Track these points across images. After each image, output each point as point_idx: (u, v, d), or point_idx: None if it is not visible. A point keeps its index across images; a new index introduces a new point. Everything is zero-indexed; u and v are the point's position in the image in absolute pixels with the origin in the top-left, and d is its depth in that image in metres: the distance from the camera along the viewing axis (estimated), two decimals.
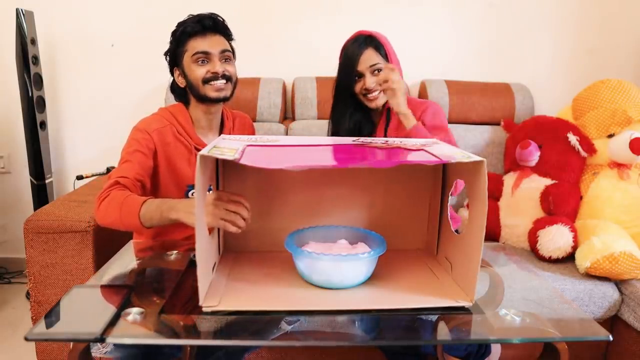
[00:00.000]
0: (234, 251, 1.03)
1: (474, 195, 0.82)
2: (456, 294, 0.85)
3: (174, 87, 1.35)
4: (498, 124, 2.04)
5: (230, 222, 0.89)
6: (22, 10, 1.89)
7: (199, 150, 1.03)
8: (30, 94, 1.95)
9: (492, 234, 1.74)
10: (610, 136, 1.72)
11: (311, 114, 2.03)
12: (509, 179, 1.81)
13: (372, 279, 0.90)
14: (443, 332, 0.81)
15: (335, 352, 1.48)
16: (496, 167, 1.99)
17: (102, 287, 0.90)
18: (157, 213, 1.02)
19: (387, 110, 1.42)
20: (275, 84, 2.02)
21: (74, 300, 0.83)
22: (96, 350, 0.89)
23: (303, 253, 0.86)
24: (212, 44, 1.25)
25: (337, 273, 0.86)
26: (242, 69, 1.37)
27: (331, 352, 1.47)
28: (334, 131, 1.46)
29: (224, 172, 1.02)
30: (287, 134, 1.98)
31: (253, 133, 1.51)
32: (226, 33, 1.30)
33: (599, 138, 1.74)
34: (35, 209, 2.00)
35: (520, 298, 0.92)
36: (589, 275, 1.49)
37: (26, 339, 0.69)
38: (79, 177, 1.97)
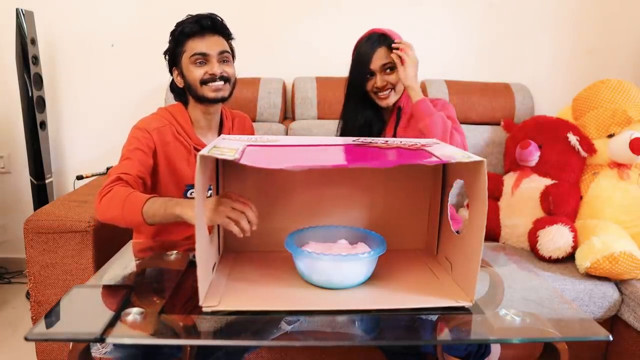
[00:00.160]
0: (234, 251, 1.03)
1: (474, 195, 0.82)
2: (456, 294, 0.85)
3: (173, 87, 1.35)
4: (498, 124, 2.04)
5: (235, 220, 0.89)
6: (22, 10, 1.89)
7: (198, 150, 1.03)
8: (30, 94, 1.95)
9: (492, 234, 1.74)
10: (610, 136, 1.72)
11: (311, 114, 2.03)
12: (509, 179, 1.81)
13: (372, 279, 0.90)
14: (443, 332, 0.81)
15: (335, 352, 1.48)
16: (496, 167, 1.99)
17: (102, 287, 0.90)
18: (162, 209, 1.01)
19: (397, 109, 1.42)
20: (275, 84, 2.02)
21: (74, 300, 0.83)
22: (96, 350, 0.89)
23: (303, 253, 0.86)
24: (210, 44, 1.25)
25: (337, 273, 0.86)
26: (242, 69, 1.37)
27: (331, 352, 1.47)
28: (344, 129, 1.46)
29: (224, 172, 1.02)
30: (287, 134, 1.98)
31: (252, 133, 1.51)
32: (225, 33, 1.30)
33: (599, 138, 1.74)
34: (35, 209, 2.00)
35: (520, 298, 0.92)
36: (589, 275, 1.49)
37: (26, 339, 0.69)
38: (79, 177, 1.97)
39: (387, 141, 1.00)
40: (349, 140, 1.03)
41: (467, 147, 1.35)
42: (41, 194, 2.05)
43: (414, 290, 0.88)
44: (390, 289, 0.88)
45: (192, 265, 0.97)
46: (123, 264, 1.03)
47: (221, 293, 0.83)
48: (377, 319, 0.82)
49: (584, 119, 1.78)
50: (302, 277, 0.90)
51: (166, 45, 1.30)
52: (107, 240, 1.41)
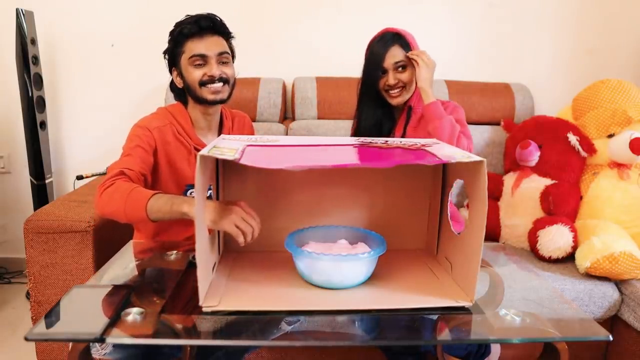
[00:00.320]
0: (234, 251, 1.03)
1: (474, 195, 0.82)
2: (456, 294, 0.85)
3: (173, 87, 1.35)
4: (498, 124, 2.04)
5: (243, 231, 0.90)
6: (22, 10, 1.89)
7: (198, 150, 1.03)
8: (30, 94, 1.95)
9: (492, 234, 1.75)
10: (610, 136, 1.72)
11: (311, 114, 2.03)
12: (509, 179, 1.81)
13: (372, 279, 0.90)
14: (443, 332, 0.81)
15: (335, 352, 1.48)
16: (496, 167, 1.99)
17: (102, 287, 0.90)
18: (167, 206, 1.00)
19: (408, 108, 1.43)
20: (275, 84, 2.02)
21: (74, 300, 0.83)
22: (95, 351, 0.89)
23: (303, 253, 0.86)
24: (209, 45, 1.24)
25: (337, 273, 0.86)
26: (242, 69, 1.37)
27: (331, 352, 1.47)
28: (358, 128, 1.48)
29: (224, 172, 1.02)
30: (287, 134, 1.98)
31: (252, 133, 1.50)
32: (224, 33, 1.29)
33: (599, 138, 1.74)
34: (35, 209, 2.00)
35: (520, 298, 0.92)
36: (589, 275, 1.49)
37: (26, 339, 0.69)
38: (79, 177, 1.96)
39: (387, 141, 1.00)
40: (349, 140, 1.03)
41: (471, 152, 1.36)
42: (41, 194, 2.05)
43: (414, 290, 0.88)
44: (390, 289, 0.88)
45: (192, 265, 0.97)
46: (123, 264, 1.03)
47: (221, 293, 0.83)
48: (377, 319, 0.82)
49: (584, 119, 1.78)
50: (302, 277, 0.90)
51: (166, 45, 1.30)
52: (107, 240, 1.41)
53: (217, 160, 0.97)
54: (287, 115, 2.13)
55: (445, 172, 0.99)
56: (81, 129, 2.21)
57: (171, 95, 1.38)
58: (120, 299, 0.82)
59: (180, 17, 1.28)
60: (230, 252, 1.03)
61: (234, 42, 1.33)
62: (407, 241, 1.08)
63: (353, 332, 0.82)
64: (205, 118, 1.32)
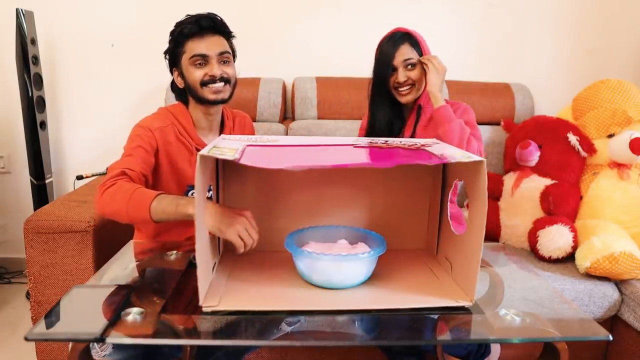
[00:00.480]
0: (234, 251, 1.03)
1: (474, 195, 0.82)
2: (456, 294, 0.85)
3: (174, 87, 1.35)
4: (498, 124, 2.03)
5: (244, 242, 0.92)
6: (22, 10, 1.89)
7: (199, 150, 1.03)
8: (30, 94, 1.95)
9: (492, 234, 1.74)
10: (610, 136, 1.72)
11: (311, 114, 2.03)
12: (509, 179, 1.81)
13: (372, 279, 0.90)
14: (443, 332, 0.81)
15: (335, 352, 1.48)
16: (496, 167, 1.99)
17: (102, 287, 0.90)
18: (172, 207, 1.00)
19: (417, 107, 1.43)
20: (275, 84, 2.02)
21: (74, 300, 0.82)
22: (95, 353, 0.89)
23: (303, 253, 0.86)
24: (209, 45, 1.24)
25: (337, 273, 0.86)
26: (242, 69, 1.37)
27: (331, 352, 1.47)
28: (368, 126, 1.49)
29: (224, 172, 1.02)
30: (287, 134, 1.98)
31: (253, 133, 1.50)
32: (225, 32, 1.28)
33: (599, 138, 1.74)
34: (35, 209, 2.00)
35: (520, 298, 0.92)
36: (589, 275, 1.49)
37: (26, 339, 0.69)
38: (79, 177, 1.96)
39: (387, 141, 1.00)
40: (349, 140, 1.03)
41: (483, 155, 1.37)
42: (41, 194, 2.05)
43: (414, 290, 0.88)
44: (390, 289, 0.88)
45: (192, 265, 0.97)
46: (123, 264, 1.03)
47: (221, 293, 0.83)
48: (377, 319, 0.82)
49: (584, 119, 1.78)
50: (302, 277, 0.90)
51: (166, 45, 1.30)
52: (107, 240, 1.41)
53: (217, 160, 0.97)
54: (287, 115, 2.13)
55: (445, 172, 0.99)
56: (81, 129, 2.21)
57: (171, 95, 1.38)
58: (120, 299, 0.82)
59: (180, 17, 1.28)
60: (230, 252, 1.03)
61: (234, 41, 1.33)
62: (407, 241, 1.08)
63: (353, 332, 0.82)
64: (206, 118, 1.31)
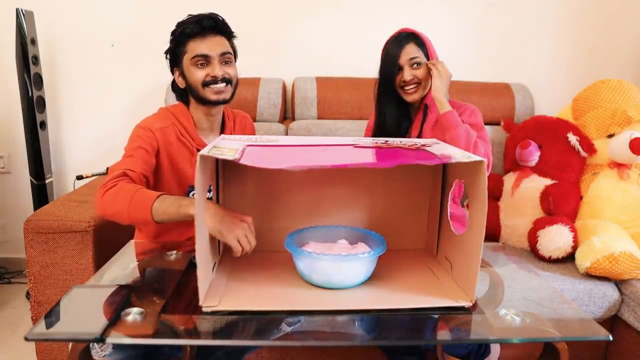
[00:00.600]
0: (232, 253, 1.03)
1: (474, 195, 0.82)
2: (456, 294, 0.85)
3: (174, 87, 1.34)
4: (498, 124, 2.03)
5: (242, 247, 0.92)
6: (22, 10, 1.89)
7: None
8: (30, 94, 1.95)
9: (492, 234, 1.74)
10: (610, 136, 1.72)
11: (311, 114, 2.03)
12: (509, 179, 1.81)
13: (372, 279, 0.90)
14: (443, 332, 0.81)
15: (335, 352, 1.48)
16: (496, 167, 1.99)
17: (102, 287, 0.90)
18: (174, 207, 0.99)
19: (424, 106, 1.43)
20: (275, 84, 2.02)
21: (74, 300, 0.82)
22: (95, 353, 0.89)
23: (303, 253, 0.87)
24: (211, 45, 1.24)
25: (337, 273, 0.86)
26: (242, 69, 1.37)
27: (331, 352, 1.47)
28: (375, 127, 1.49)
29: (224, 172, 1.02)
30: (287, 134, 1.98)
31: (253, 133, 1.50)
32: (227, 32, 1.28)
33: (599, 138, 1.74)
34: (35, 209, 2.00)
35: (520, 298, 0.92)
36: (589, 275, 1.49)
37: (26, 339, 0.69)
38: (79, 177, 1.96)
39: (387, 141, 1.00)
40: (349, 140, 1.03)
41: (490, 157, 1.37)
42: (41, 194, 2.05)
43: (414, 290, 0.88)
44: (390, 289, 0.88)
45: (192, 265, 0.97)
46: (123, 264, 1.03)
47: (221, 293, 0.83)
48: (377, 319, 0.82)
49: (584, 119, 1.78)
50: (302, 277, 0.90)
51: (166, 45, 1.30)
52: (107, 240, 1.41)
53: (217, 160, 0.96)
54: (287, 115, 2.13)
55: (445, 172, 0.99)
56: (81, 129, 2.21)
57: (171, 95, 1.38)
58: (120, 299, 0.82)
59: (181, 17, 1.28)
60: (230, 252, 1.03)
61: (235, 41, 1.32)
62: (407, 241, 1.08)
63: (353, 332, 0.82)
64: (207, 119, 1.31)
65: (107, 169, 1.96)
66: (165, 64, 1.32)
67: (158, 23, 1.58)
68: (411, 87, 1.39)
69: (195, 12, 1.27)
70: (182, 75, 1.28)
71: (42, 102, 2.02)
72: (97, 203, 1.08)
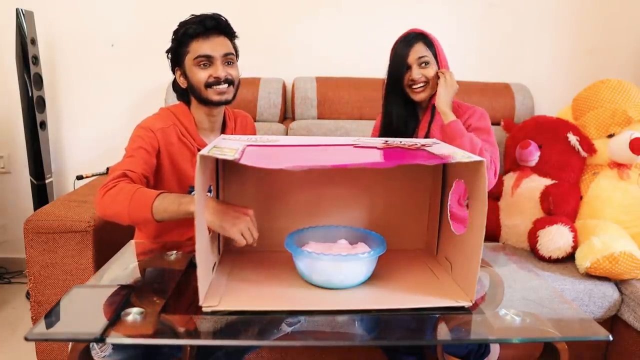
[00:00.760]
0: (234, 251, 1.03)
1: (474, 195, 0.82)
2: (456, 294, 0.85)
3: (175, 87, 1.34)
4: (498, 124, 2.03)
5: (246, 240, 0.92)
6: (22, 10, 1.89)
7: None
8: (30, 94, 1.95)
9: (492, 234, 1.74)
10: (610, 136, 1.72)
11: (311, 114, 2.03)
12: (509, 179, 1.81)
13: (372, 279, 0.90)
14: (443, 332, 0.81)
15: (335, 352, 1.48)
16: None
17: (102, 287, 0.90)
18: (174, 205, 0.99)
19: (432, 106, 1.44)
20: (275, 84, 2.02)
21: (74, 300, 0.83)
22: (95, 354, 0.89)
23: (303, 253, 0.87)
24: (214, 46, 1.23)
25: (337, 273, 0.86)
26: (243, 68, 1.37)
27: (331, 352, 1.47)
28: (383, 126, 1.49)
29: (224, 172, 1.02)
30: (287, 134, 1.98)
31: (254, 133, 1.50)
32: (229, 33, 1.28)
33: (599, 138, 1.74)
34: (35, 209, 2.00)
35: (520, 298, 0.92)
36: (589, 275, 1.49)
37: (26, 339, 0.69)
38: (79, 177, 1.97)
39: (387, 141, 1.00)
40: (349, 140, 1.03)
41: (497, 164, 1.37)
42: (41, 194, 2.05)
43: (414, 290, 0.88)
44: (390, 289, 0.88)
45: (192, 265, 0.97)
46: (123, 264, 1.02)
47: (221, 293, 0.83)
48: (377, 319, 0.82)
49: (584, 119, 1.78)
50: (302, 277, 0.90)
51: (167, 45, 1.29)
52: (107, 240, 1.41)
53: (217, 160, 0.97)
54: (287, 115, 2.13)
55: (445, 172, 0.99)
56: (81, 129, 2.21)
57: (171, 95, 1.38)
58: (120, 299, 0.82)
59: (181, 17, 1.27)
60: (230, 252, 1.03)
61: (236, 41, 1.32)
62: (407, 241, 1.08)
63: (353, 332, 0.82)
64: (209, 119, 1.31)
65: (107, 169, 1.96)
66: (165, 63, 1.32)
67: (158, 23, 1.59)
68: (419, 85, 1.39)
69: (195, 12, 1.26)
70: (184, 75, 1.27)
71: (42, 102, 2.02)
72: (97, 204, 1.08)
